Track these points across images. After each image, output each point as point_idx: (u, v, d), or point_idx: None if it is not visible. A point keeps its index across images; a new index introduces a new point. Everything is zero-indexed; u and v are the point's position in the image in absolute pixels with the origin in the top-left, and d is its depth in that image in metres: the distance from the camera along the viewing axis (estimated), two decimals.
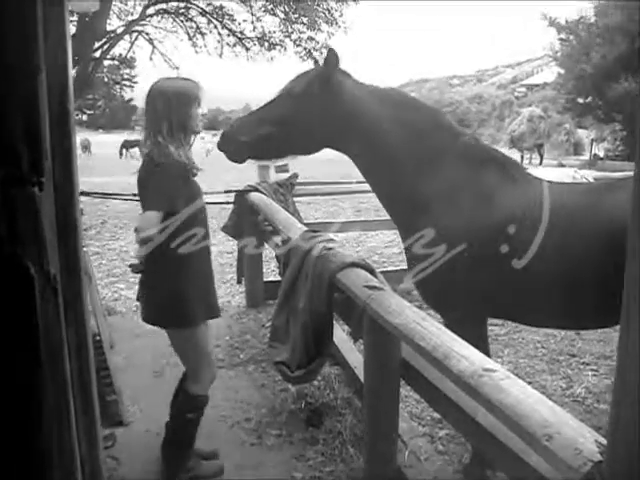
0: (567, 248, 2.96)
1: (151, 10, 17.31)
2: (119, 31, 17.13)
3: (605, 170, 14.17)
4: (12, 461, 0.88)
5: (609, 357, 5.20)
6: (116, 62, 23.80)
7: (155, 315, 3.40)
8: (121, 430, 4.06)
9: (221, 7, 17.69)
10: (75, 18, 13.34)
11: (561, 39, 31.47)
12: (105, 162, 32.39)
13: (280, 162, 6.98)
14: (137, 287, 3.58)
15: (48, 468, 0.90)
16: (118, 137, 48.29)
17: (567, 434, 1.46)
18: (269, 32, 18.19)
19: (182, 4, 17.58)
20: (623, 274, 1.18)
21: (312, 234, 3.70)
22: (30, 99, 0.83)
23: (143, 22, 17.66)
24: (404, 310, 2.47)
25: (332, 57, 3.26)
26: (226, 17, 17.91)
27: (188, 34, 18.48)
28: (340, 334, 4.62)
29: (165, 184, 3.13)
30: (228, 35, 18.38)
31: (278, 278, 4.55)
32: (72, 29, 13.49)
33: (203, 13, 17.81)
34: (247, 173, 6.79)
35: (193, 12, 18.00)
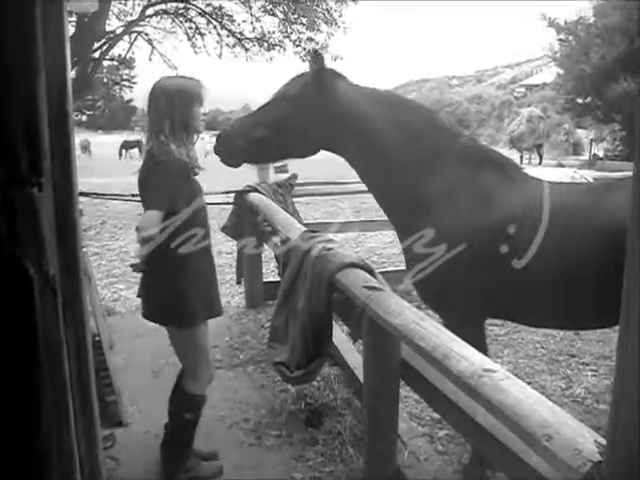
0: (567, 248, 2.96)
1: (150, 11, 17.30)
2: (118, 32, 17.12)
3: (604, 170, 14.18)
4: (11, 462, 0.88)
5: (608, 357, 5.20)
6: (115, 63, 23.80)
7: (155, 313, 3.41)
8: (120, 431, 4.06)
9: (220, 8, 17.68)
10: (74, 19, 13.32)
11: (560, 39, 31.48)
12: (104, 163, 32.40)
13: (278, 163, 6.99)
14: (138, 285, 3.58)
15: (47, 469, 0.90)
16: (117, 138, 48.31)
17: (567, 434, 1.46)
18: (268, 33, 18.19)
19: (181, 5, 17.57)
20: (622, 274, 1.18)
21: (311, 234, 3.70)
22: (29, 99, 0.83)
23: (142, 23, 17.65)
24: (403, 310, 2.47)
25: (318, 60, 3.25)
26: (225, 18, 17.90)
27: (187, 35, 18.48)
28: (339, 334, 4.62)
29: (166, 183, 3.13)
30: (227, 36, 18.37)
31: (277, 279, 4.55)
32: (71, 30, 13.49)
33: (202, 14, 17.80)
34: (245, 175, 6.77)
35: (192, 13, 17.99)
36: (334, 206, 13.96)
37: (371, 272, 3.13)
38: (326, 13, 17.37)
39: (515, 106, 55.10)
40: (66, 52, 0.91)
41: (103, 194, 6.11)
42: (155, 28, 18.54)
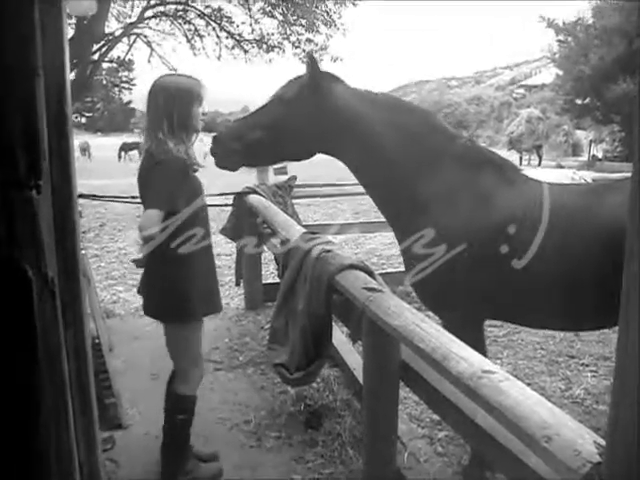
0: (566, 248, 2.96)
1: (149, 13, 17.31)
2: (117, 34, 17.13)
3: (604, 171, 14.18)
4: (11, 464, 0.88)
5: (608, 358, 5.20)
6: (114, 65, 23.83)
7: (155, 308, 3.44)
8: (120, 433, 4.05)
9: (219, 9, 17.69)
10: (73, 21, 13.33)
11: (559, 40, 31.53)
12: (104, 165, 32.41)
13: (278, 165, 7.00)
14: (139, 282, 3.61)
15: (46, 471, 0.90)
16: (117, 140, 48.34)
17: (566, 435, 1.46)
18: (267, 34, 18.19)
19: (180, 6, 17.58)
20: (622, 274, 1.18)
21: (311, 236, 3.70)
22: (28, 101, 0.83)
23: (141, 25, 17.66)
24: (403, 312, 2.47)
25: (313, 63, 3.26)
26: (224, 19, 17.91)
27: (186, 36, 18.48)
28: (339, 336, 4.62)
29: (165, 182, 3.13)
30: (226, 37, 18.38)
31: (277, 280, 4.55)
32: (70, 32, 13.49)
33: (201, 15, 17.81)
34: (244, 176, 6.79)
35: (191, 14, 18.00)
36: (334, 208, 13.97)
37: (370, 273, 3.13)
38: (325, 15, 17.37)
39: (514, 107, 55.20)
40: (65, 54, 0.91)
41: (102, 196, 6.10)
42: (154, 30, 18.57)
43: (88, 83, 16.32)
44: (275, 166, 7.20)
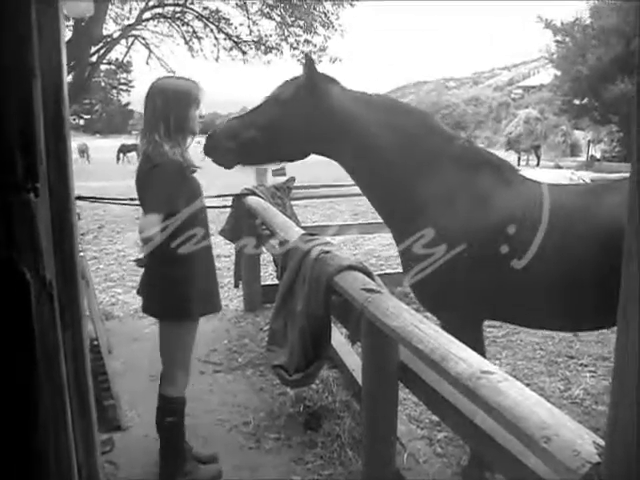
0: (565, 249, 2.97)
1: (147, 14, 17.27)
2: (115, 35, 17.11)
3: (602, 171, 14.18)
4: (10, 466, 0.88)
5: (607, 358, 5.20)
6: (113, 66, 23.79)
7: (154, 306, 3.47)
8: (119, 435, 4.05)
9: (217, 11, 17.67)
10: (71, 23, 13.31)
11: (557, 41, 31.52)
12: (102, 167, 32.39)
13: (276, 166, 6.98)
14: (139, 282, 3.63)
15: (45, 473, 0.90)
16: (115, 141, 48.29)
17: (565, 436, 1.46)
18: (265, 36, 18.17)
19: (178, 8, 17.57)
20: (620, 274, 1.18)
21: (309, 237, 3.70)
22: (25, 103, 0.83)
23: (139, 26, 17.63)
24: (402, 313, 2.47)
25: (310, 64, 3.26)
26: (222, 21, 17.89)
27: (184, 38, 18.45)
28: (338, 337, 4.62)
29: (163, 185, 3.14)
30: (224, 39, 18.35)
31: (276, 282, 4.55)
32: (68, 34, 13.48)
33: (199, 17, 17.78)
34: (243, 178, 6.81)
35: (189, 16, 17.97)
36: (332, 209, 13.97)
37: (369, 274, 3.13)
38: (323, 16, 17.36)
39: (512, 108, 55.18)
40: (62, 56, 0.91)
41: (101, 198, 6.10)
42: (152, 32, 18.53)
43: (86, 85, 16.30)
44: (273, 167, 7.17)
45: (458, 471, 3.60)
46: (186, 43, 18.52)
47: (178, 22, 18.04)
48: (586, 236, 2.94)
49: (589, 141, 36.91)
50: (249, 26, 17.91)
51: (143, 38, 18.58)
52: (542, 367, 5.19)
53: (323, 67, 3.28)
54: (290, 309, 3.52)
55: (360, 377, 3.35)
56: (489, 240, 3.01)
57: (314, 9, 17.07)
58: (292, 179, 6.87)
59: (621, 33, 26.83)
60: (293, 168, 7.00)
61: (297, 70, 3.42)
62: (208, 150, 3.34)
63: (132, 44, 18.49)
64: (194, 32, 18.35)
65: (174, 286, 3.33)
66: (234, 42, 18.29)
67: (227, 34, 18.16)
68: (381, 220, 3.57)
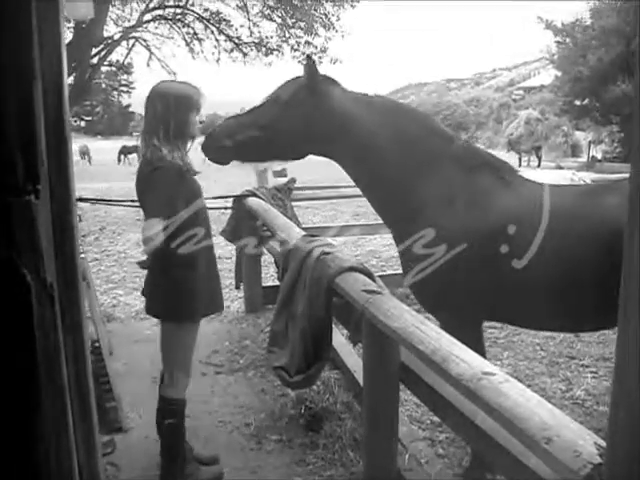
0: (566, 249, 2.97)
1: (148, 16, 17.28)
2: (116, 37, 17.12)
3: (603, 172, 14.16)
4: (10, 469, 0.88)
5: (608, 359, 5.20)
6: (113, 68, 23.78)
7: (157, 307, 3.49)
8: (121, 436, 4.05)
9: (218, 13, 17.67)
10: (72, 25, 13.33)
11: (557, 42, 31.51)
12: (103, 168, 32.41)
13: (277, 167, 7.00)
14: (142, 286, 3.65)
15: (46, 475, 0.90)
16: (116, 143, 48.33)
17: (566, 437, 1.46)
18: (266, 37, 18.17)
19: (179, 10, 17.58)
20: (620, 274, 1.18)
21: (310, 239, 3.70)
22: (26, 105, 0.83)
23: (140, 28, 17.63)
24: (403, 314, 2.47)
25: (311, 65, 3.27)
26: (223, 23, 17.89)
27: (185, 40, 18.46)
28: (339, 338, 4.62)
29: (163, 189, 3.15)
30: (225, 40, 18.35)
31: (277, 283, 4.55)
32: (69, 36, 13.49)
33: (200, 19, 17.79)
34: (244, 179, 6.85)
35: (190, 18, 17.98)
36: (333, 210, 13.96)
37: (370, 275, 3.13)
38: (324, 17, 17.36)
39: (513, 108, 55.14)
40: (63, 57, 0.91)
41: (101, 200, 6.10)
42: (153, 34, 18.54)
43: (87, 87, 16.30)
44: (274, 169, 7.19)
45: (460, 472, 3.60)
46: (187, 45, 18.53)
47: (179, 24, 18.05)
48: (586, 236, 2.95)
49: (590, 142, 36.89)
50: (250, 28, 17.92)
51: (144, 40, 18.59)
52: (543, 368, 5.19)
53: (324, 68, 3.29)
54: (291, 310, 3.52)
55: (361, 378, 3.35)
56: (489, 240, 3.01)
57: (315, 10, 17.08)
58: (293, 180, 6.87)
59: (621, 33, 26.83)
60: (294, 169, 7.02)
61: (298, 71, 3.43)
62: (206, 148, 3.34)
63: (133, 46, 18.50)
64: (195, 34, 18.36)
65: (175, 287, 3.34)
66: (235, 44, 18.30)
67: (228, 36, 18.16)
68: (382, 221, 3.57)
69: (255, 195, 6.12)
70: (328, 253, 3.36)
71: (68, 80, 1.01)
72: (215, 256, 3.61)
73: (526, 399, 1.66)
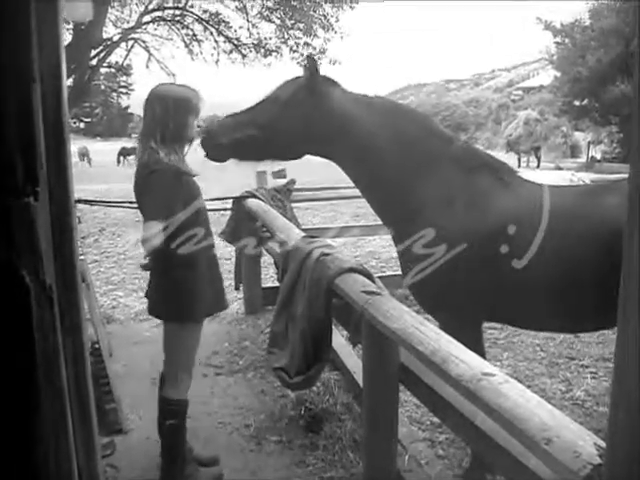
0: (566, 249, 2.98)
1: (147, 18, 17.30)
2: (115, 39, 17.13)
3: (602, 172, 14.15)
4: (9, 471, 0.88)
5: (608, 359, 5.20)
6: (113, 70, 23.80)
7: (159, 308, 3.50)
8: (120, 438, 4.05)
9: (217, 14, 17.68)
10: (71, 26, 13.33)
11: (557, 42, 31.52)
12: (103, 169, 32.41)
13: (277, 168, 6.99)
14: (146, 288, 3.68)
15: (45, 477, 0.89)
16: (115, 145, 48.30)
17: (566, 437, 1.46)
18: (265, 38, 18.18)
19: (178, 11, 17.58)
20: (620, 275, 1.18)
21: (310, 240, 3.70)
22: (24, 107, 0.83)
23: (139, 30, 17.64)
24: (402, 315, 2.47)
25: (312, 66, 3.27)
26: (222, 24, 17.90)
27: (184, 41, 18.46)
28: (339, 339, 4.62)
29: (161, 192, 3.15)
30: (224, 42, 18.36)
31: (276, 284, 4.55)
32: (68, 37, 13.50)
33: (199, 20, 17.80)
34: (243, 180, 6.84)
35: (189, 19, 17.98)
36: (333, 211, 13.95)
37: (369, 276, 3.13)
38: (323, 19, 17.37)
39: (512, 109, 55.10)
40: (62, 59, 0.91)
41: (100, 201, 6.11)
42: (152, 35, 18.55)
43: (86, 88, 16.31)
44: (274, 170, 7.16)
45: (460, 473, 3.60)
46: (186, 46, 18.54)
47: (178, 25, 18.06)
48: (586, 236, 2.95)
49: (589, 142, 36.87)
50: (249, 29, 17.92)
51: (143, 41, 18.60)
52: (543, 368, 5.19)
53: (323, 69, 3.27)
54: (291, 312, 3.52)
55: (361, 379, 3.35)
56: (489, 241, 3.02)
57: (314, 12, 17.08)
58: (292, 181, 6.87)
59: (620, 34, 26.84)
60: (293, 170, 7.01)
61: (297, 73, 3.43)
62: (205, 146, 3.33)
63: (132, 47, 18.52)
64: (194, 35, 18.37)
65: (176, 287, 3.35)
66: (234, 45, 18.30)
67: (227, 37, 18.17)
68: (381, 222, 3.57)
69: (254, 196, 6.12)
70: (328, 254, 3.36)
71: (67, 82, 1.01)
72: (216, 256, 3.61)
73: (526, 400, 1.66)
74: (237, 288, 6.87)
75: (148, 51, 18.74)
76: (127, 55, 19.00)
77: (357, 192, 3.59)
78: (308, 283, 3.33)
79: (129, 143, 42.77)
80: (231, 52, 18.54)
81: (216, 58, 18.67)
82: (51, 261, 0.87)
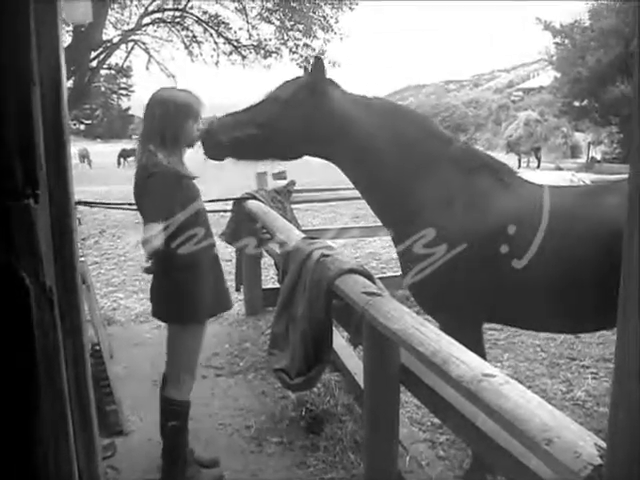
0: (566, 249, 2.98)
1: (147, 19, 17.33)
2: (115, 40, 17.15)
3: (602, 173, 14.16)
4: (10, 473, 0.88)
5: (608, 360, 5.19)
6: (113, 71, 23.84)
7: (163, 310, 3.51)
8: (121, 439, 4.05)
9: (217, 15, 17.71)
10: (71, 28, 13.35)
11: (556, 43, 31.51)
12: (103, 171, 32.42)
13: (277, 169, 6.99)
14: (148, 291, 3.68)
15: (45, 478, 0.89)
16: (116, 146, 48.28)
17: (567, 438, 1.46)
18: (265, 40, 18.21)
19: (178, 13, 17.60)
20: (620, 275, 1.18)
21: (310, 241, 3.70)
22: (24, 109, 0.83)
23: (139, 31, 17.67)
24: (403, 316, 2.47)
25: (319, 66, 3.26)
26: (222, 25, 17.93)
27: (184, 43, 18.50)
28: (339, 340, 4.61)
29: (160, 194, 3.15)
30: (224, 43, 18.39)
31: (277, 285, 4.55)
32: (68, 39, 13.52)
33: (199, 22, 17.83)
34: (243, 182, 6.85)
35: (189, 21, 18.02)
36: (333, 212, 13.94)
37: (370, 277, 3.13)
38: (322, 20, 17.40)
39: (512, 110, 55.06)
40: (61, 60, 0.91)
41: (100, 203, 6.10)
42: (152, 37, 18.59)
43: (86, 90, 16.34)
44: (274, 171, 7.17)
45: (460, 474, 3.60)
46: (186, 48, 18.57)
47: (178, 27, 18.09)
48: (586, 236, 2.95)
49: (589, 143, 36.86)
50: (248, 30, 17.96)
51: (143, 43, 18.64)
52: (544, 369, 5.19)
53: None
54: (291, 313, 3.52)
55: (362, 380, 3.35)
56: (489, 241, 3.02)
57: (313, 13, 17.11)
58: (292, 183, 6.86)
59: (620, 34, 26.83)
60: (293, 172, 7.01)
61: (296, 74, 3.43)
62: (204, 145, 3.33)
63: (132, 49, 18.56)
64: (194, 37, 18.40)
65: (178, 289, 3.36)
66: (234, 46, 18.33)
67: (227, 38, 18.20)
68: (381, 223, 3.57)
69: (255, 198, 6.12)
70: (328, 255, 3.36)
71: (67, 83, 1.01)
72: (218, 256, 3.62)
73: (526, 400, 1.66)
74: (238, 289, 6.86)
75: (148, 53, 18.78)
76: (127, 57, 19.06)
77: (357, 193, 3.58)
78: (308, 284, 3.33)
79: (129, 145, 42.78)
80: (231, 53, 18.57)
81: (216, 59, 18.72)
82: (51, 263, 0.87)
